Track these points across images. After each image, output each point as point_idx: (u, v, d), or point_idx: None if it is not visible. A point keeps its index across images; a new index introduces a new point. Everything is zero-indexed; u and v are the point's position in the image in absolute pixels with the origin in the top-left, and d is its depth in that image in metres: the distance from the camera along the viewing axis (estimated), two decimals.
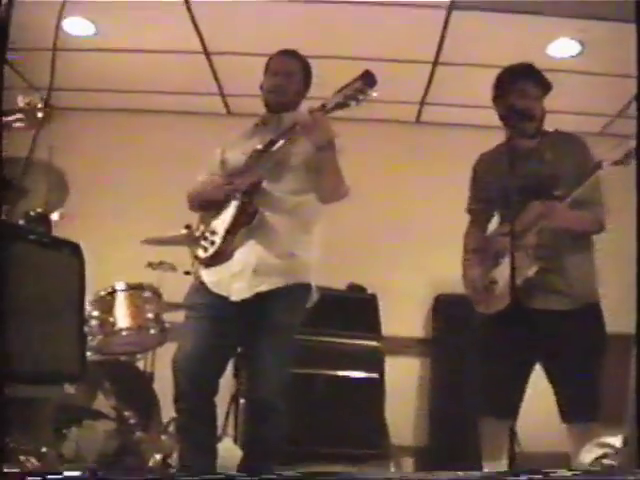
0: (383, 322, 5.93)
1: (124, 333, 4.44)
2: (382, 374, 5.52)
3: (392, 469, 5.37)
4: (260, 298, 3.53)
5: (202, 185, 3.79)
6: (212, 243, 3.58)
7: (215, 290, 3.61)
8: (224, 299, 3.56)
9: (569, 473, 0.94)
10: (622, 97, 5.86)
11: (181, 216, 4.05)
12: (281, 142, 3.52)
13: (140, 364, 4.99)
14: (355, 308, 5.86)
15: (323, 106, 3.33)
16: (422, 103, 6.56)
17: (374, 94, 3.25)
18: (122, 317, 4.45)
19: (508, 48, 5.22)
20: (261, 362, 3.54)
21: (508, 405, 3.56)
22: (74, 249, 3.44)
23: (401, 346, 6.37)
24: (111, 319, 4.44)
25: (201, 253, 3.63)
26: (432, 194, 6.55)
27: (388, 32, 5.30)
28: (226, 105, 6.82)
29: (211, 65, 6.04)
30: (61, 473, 0.67)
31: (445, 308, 6.41)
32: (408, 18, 5.14)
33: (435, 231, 6.32)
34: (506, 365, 3.51)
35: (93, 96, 6.57)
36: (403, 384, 6.19)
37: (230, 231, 3.55)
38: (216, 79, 6.29)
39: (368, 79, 3.25)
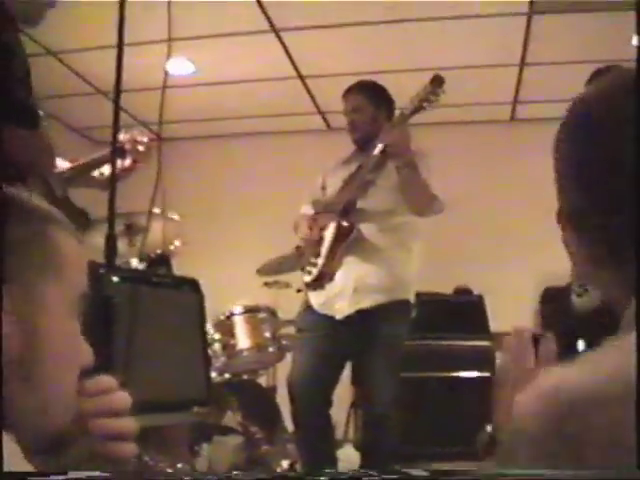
0: (492, 320, 6.03)
1: (245, 353, 4.71)
2: (494, 373, 5.62)
3: None
4: (362, 315, 3.76)
5: (301, 219, 4.04)
6: (315, 265, 3.85)
7: (321, 311, 3.88)
8: (330, 318, 3.83)
9: (557, 471, 0.96)
10: None
11: (292, 235, 4.23)
12: (371, 164, 3.74)
13: (262, 380, 5.28)
14: (463, 310, 5.98)
15: (402, 114, 3.56)
16: (515, 102, 6.65)
17: (443, 94, 3.46)
18: (242, 338, 4.73)
19: (593, 42, 5.34)
20: (371, 375, 3.77)
21: None
22: (193, 285, 3.75)
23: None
24: (232, 341, 4.72)
25: (307, 278, 3.90)
26: (530, 190, 6.62)
27: (473, 42, 5.49)
28: (326, 121, 7.07)
29: (306, 86, 6.30)
30: (65, 473, 0.81)
31: (552, 301, 6.45)
32: (492, 27, 5.29)
33: (536, 226, 6.39)
34: None
35: (198, 126, 6.93)
36: None
37: (331, 250, 3.80)
38: (312, 98, 6.56)
39: (436, 81, 3.47)
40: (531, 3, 4.96)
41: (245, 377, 4.94)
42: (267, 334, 4.80)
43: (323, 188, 4.08)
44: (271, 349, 4.78)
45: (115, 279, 2.59)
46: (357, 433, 5.24)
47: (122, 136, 3.27)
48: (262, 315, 4.86)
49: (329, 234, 3.83)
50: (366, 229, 3.81)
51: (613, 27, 5.24)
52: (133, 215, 4.22)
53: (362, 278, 3.78)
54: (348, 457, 4.45)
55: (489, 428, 1.47)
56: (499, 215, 6.64)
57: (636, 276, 0.95)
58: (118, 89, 2.58)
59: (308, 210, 4.10)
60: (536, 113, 6.78)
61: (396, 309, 3.81)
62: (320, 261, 3.83)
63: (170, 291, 3.60)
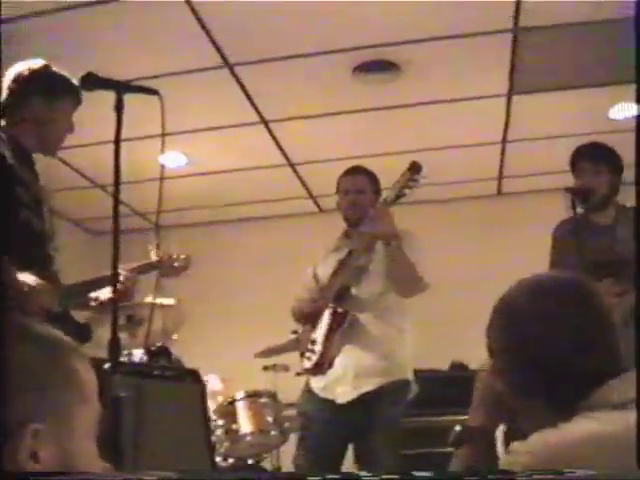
0: None
1: (248, 438, 4.78)
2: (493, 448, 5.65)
3: None
4: (364, 398, 3.85)
5: (299, 302, 4.16)
6: (313, 352, 3.92)
7: (322, 395, 3.97)
8: (331, 402, 3.92)
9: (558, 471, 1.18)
10: None
11: (289, 317, 4.30)
12: (359, 250, 3.86)
13: (267, 462, 5.33)
14: (460, 385, 6.01)
15: (384, 200, 3.71)
16: (500, 177, 6.83)
17: (422, 179, 3.64)
18: (244, 423, 4.80)
19: (571, 117, 5.54)
20: (373, 455, 3.83)
21: None
22: (194, 376, 3.86)
23: None
24: (234, 426, 4.79)
25: (306, 363, 3.97)
26: (520, 261, 6.73)
27: (456, 124, 5.68)
28: (317, 204, 7.26)
29: (296, 173, 6.49)
30: (65, 474, 0.87)
31: None
32: (473, 109, 5.49)
33: None
34: None
35: (192, 214, 7.09)
36: None
37: (327, 337, 3.88)
38: (303, 184, 6.74)
39: (415, 168, 3.63)
40: (510, 85, 5.15)
41: (250, 462, 5.00)
42: (269, 418, 4.88)
43: (315, 277, 4.19)
44: (273, 432, 4.85)
45: (120, 374, 2.68)
46: None
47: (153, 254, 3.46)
48: (263, 400, 4.94)
49: (324, 321, 3.92)
50: (361, 314, 3.91)
51: (588, 103, 5.45)
52: (133, 307, 4.35)
53: (361, 363, 3.88)
54: None
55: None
56: (491, 287, 6.70)
57: (636, 287, 1.39)
58: (117, 182, 2.73)
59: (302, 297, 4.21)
60: (521, 187, 6.97)
61: (396, 390, 3.90)
62: (317, 348, 3.91)
63: (172, 383, 3.71)
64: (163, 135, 2.86)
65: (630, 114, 5.62)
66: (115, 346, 2.58)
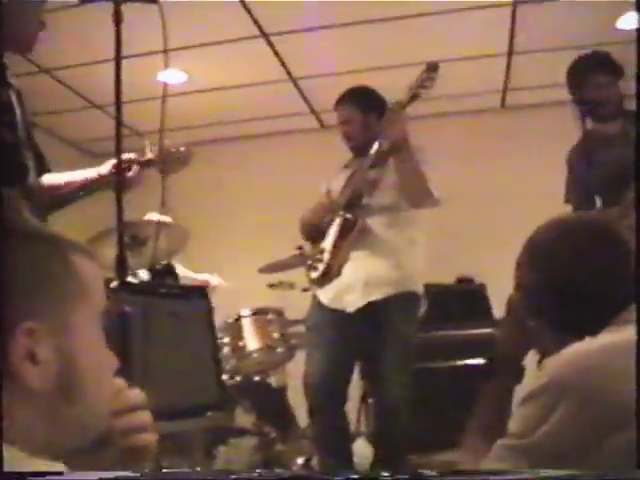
0: (495, 308, 6.10)
1: (254, 355, 4.80)
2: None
3: None
4: (374, 307, 3.82)
5: (309, 212, 4.12)
6: (321, 261, 3.89)
7: (332, 306, 3.94)
8: (341, 312, 3.89)
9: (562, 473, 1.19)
10: None
11: (293, 233, 4.30)
12: (371, 159, 3.79)
13: (273, 380, 5.36)
14: (466, 299, 6.03)
15: (398, 103, 3.60)
16: (505, 90, 6.71)
17: (437, 79, 3.54)
18: (251, 340, 4.81)
19: (578, 28, 5.41)
20: (383, 371, 3.83)
21: None
22: (201, 293, 3.84)
23: None
24: (241, 343, 4.81)
25: (313, 274, 3.94)
26: (525, 175, 6.70)
27: (461, 36, 5.55)
28: (319, 120, 7.16)
29: (298, 88, 6.38)
30: (62, 474, 0.86)
31: None
32: (477, 19, 5.36)
33: (533, 210, 6.46)
34: None
35: (194, 132, 6.97)
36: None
37: (336, 245, 3.85)
38: (305, 99, 6.63)
39: (431, 68, 3.57)
40: None
41: (256, 379, 5.03)
42: (275, 335, 4.89)
43: (327, 193, 4.14)
44: (280, 349, 4.87)
45: (127, 293, 2.66)
46: (369, 426, 5.30)
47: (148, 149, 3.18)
48: (269, 316, 4.95)
49: (333, 229, 3.89)
50: (372, 223, 3.87)
51: (595, 12, 5.31)
52: (137, 225, 4.30)
53: (371, 271, 3.85)
54: (361, 450, 4.51)
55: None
56: (496, 202, 6.68)
57: (635, 274, 1.55)
58: (119, 99, 2.64)
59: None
60: (526, 99, 6.86)
61: (406, 301, 3.88)
62: (326, 256, 3.87)
63: (179, 301, 3.69)
64: (165, 51, 2.76)
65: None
66: (122, 264, 2.55)
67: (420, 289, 3.96)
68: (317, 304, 4.04)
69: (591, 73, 3.85)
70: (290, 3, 4.97)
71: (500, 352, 1.81)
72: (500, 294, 6.24)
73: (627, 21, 5.48)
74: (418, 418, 3.97)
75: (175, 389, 3.32)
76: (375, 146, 3.76)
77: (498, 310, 6.03)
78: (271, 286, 5.58)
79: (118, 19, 2.59)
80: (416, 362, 4.68)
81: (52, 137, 6.87)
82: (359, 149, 3.98)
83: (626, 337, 1.41)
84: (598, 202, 3.79)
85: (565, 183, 4.10)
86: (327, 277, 3.89)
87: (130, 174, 2.97)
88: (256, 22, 5.21)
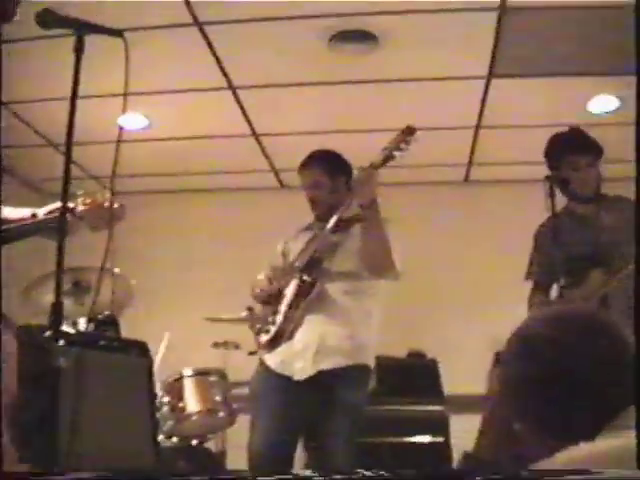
0: (445, 382, 5.97)
1: (194, 417, 4.59)
2: (447, 437, 5.56)
3: None
4: (323, 376, 3.64)
5: (263, 278, 3.92)
6: (274, 323, 3.72)
7: (279, 370, 3.74)
8: (288, 379, 3.70)
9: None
10: None
11: (245, 293, 4.07)
12: (333, 221, 3.64)
13: (211, 444, 5.12)
14: (416, 374, 5.91)
15: (371, 164, 3.45)
16: (469, 163, 6.65)
17: (414, 141, 3.44)
18: (191, 402, 4.60)
19: (549, 107, 5.38)
20: (329, 441, 3.66)
21: None
22: (142, 349, 3.62)
23: (464, 404, 6.38)
24: (181, 404, 4.59)
25: (263, 337, 3.77)
26: (485, 252, 6.63)
27: (431, 104, 5.47)
28: (278, 179, 7.01)
29: (260, 145, 6.24)
30: (63, 474, 0.75)
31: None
32: (449, 90, 5.31)
33: (490, 289, 6.40)
34: None
35: (150, 180, 6.82)
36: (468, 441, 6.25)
37: (291, 306, 3.69)
38: (266, 157, 6.49)
39: (407, 131, 3.47)
40: (491, 68, 4.96)
41: (194, 442, 4.80)
42: (217, 397, 4.70)
43: (284, 255, 4.00)
44: (221, 414, 4.68)
45: (61, 343, 2.47)
46: None
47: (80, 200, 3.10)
48: (212, 378, 4.75)
49: (290, 291, 3.73)
50: (330, 289, 3.73)
51: (567, 92, 5.29)
52: (81, 271, 4.10)
53: (325, 339, 3.69)
54: None
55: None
56: (453, 277, 6.60)
57: (635, 279, 1.56)
58: (70, 137, 2.44)
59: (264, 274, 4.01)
60: (490, 175, 6.81)
61: (357, 374, 3.72)
62: (279, 318, 3.72)
63: (118, 355, 3.47)
64: (126, 86, 2.58)
65: (609, 108, 5.49)
66: (58, 312, 2.35)
67: (372, 362, 3.82)
68: (264, 369, 3.85)
69: (569, 152, 3.78)
70: (261, 58, 4.87)
71: (478, 454, 1.66)
72: (451, 371, 6.17)
73: (598, 104, 5.46)
74: None
75: (108, 448, 3.10)
76: (340, 208, 3.64)
77: (448, 387, 5.91)
78: (216, 345, 5.37)
79: (79, 48, 2.43)
80: (361, 436, 4.51)
81: (5, 173, 6.63)
82: (324, 214, 3.83)
83: (626, 444, 1.27)
84: (562, 281, 3.67)
85: (529, 259, 4.01)
86: (278, 340, 3.74)
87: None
88: (224, 73, 5.07)
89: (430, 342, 6.32)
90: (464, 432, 5.93)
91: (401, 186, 6.47)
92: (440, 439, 5.50)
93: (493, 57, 4.84)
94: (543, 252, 3.90)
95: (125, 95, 2.67)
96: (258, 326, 3.86)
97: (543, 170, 3.83)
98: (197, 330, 5.23)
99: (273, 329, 3.73)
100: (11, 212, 2.95)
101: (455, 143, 6.21)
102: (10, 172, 6.69)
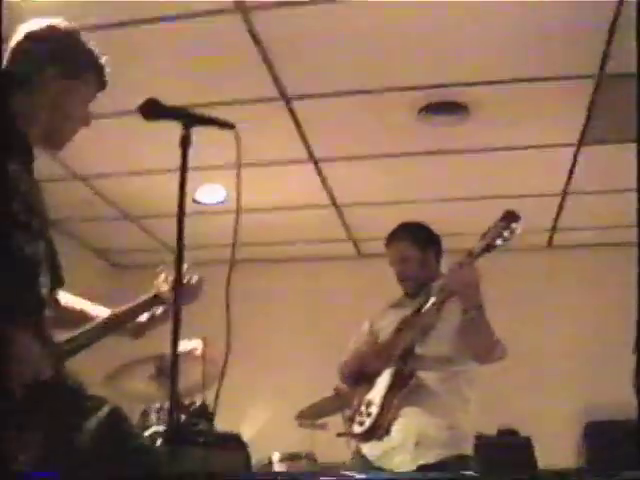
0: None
1: None
2: None
3: None
4: (421, 470, 3.40)
5: (354, 357, 3.76)
6: (369, 415, 3.52)
7: (377, 464, 3.54)
8: (388, 473, 3.48)
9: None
10: None
11: (328, 371, 3.97)
12: (430, 304, 3.43)
13: None
14: (510, 452, 5.68)
15: (470, 253, 3.25)
16: (553, 228, 6.48)
17: (519, 230, 3.19)
18: None
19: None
20: None
21: None
22: (238, 441, 3.50)
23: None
24: None
25: (357, 428, 3.56)
26: (570, 318, 6.43)
27: (518, 172, 5.37)
28: (357, 247, 6.90)
29: (340, 215, 6.15)
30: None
31: (596, 434, 6.21)
32: (538, 158, 5.19)
33: (575, 358, 6.21)
34: None
35: (227, 251, 6.72)
36: None
37: (386, 398, 3.48)
38: (344, 225, 6.38)
39: (510, 217, 3.21)
40: (582, 135, 4.83)
41: None
42: None
43: (372, 333, 3.79)
44: None
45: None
46: None
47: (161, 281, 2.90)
48: (302, 462, 4.59)
49: (384, 380, 3.53)
50: (425, 377, 3.51)
51: None
52: (165, 357, 3.99)
53: (424, 430, 3.46)
54: None
55: None
56: (539, 347, 6.39)
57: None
58: (181, 224, 2.22)
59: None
60: (573, 240, 6.63)
61: (459, 465, 3.48)
62: (374, 410, 3.50)
63: (217, 450, 3.35)
64: (238, 175, 2.46)
65: None
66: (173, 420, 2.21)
67: (471, 451, 3.60)
68: (361, 459, 3.62)
69: None
70: (346, 130, 4.80)
71: None
72: (542, 438, 5.90)
73: None
74: None
75: None
76: (434, 287, 3.45)
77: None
78: (301, 424, 5.20)
79: (186, 142, 2.30)
80: None
81: (78, 245, 6.65)
82: (413, 289, 3.67)
83: None
84: None
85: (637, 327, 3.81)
86: (374, 433, 3.51)
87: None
88: (307, 146, 5.00)
89: (519, 415, 6.11)
90: None
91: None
92: None
93: (586, 125, 4.71)
94: None
95: (238, 176, 2.50)
96: (348, 412, 3.67)
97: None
98: (279, 408, 5.08)
99: (368, 421, 3.51)
100: (88, 306, 2.78)
101: (540, 209, 6.04)
102: (83, 243, 6.71)
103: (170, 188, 4.79)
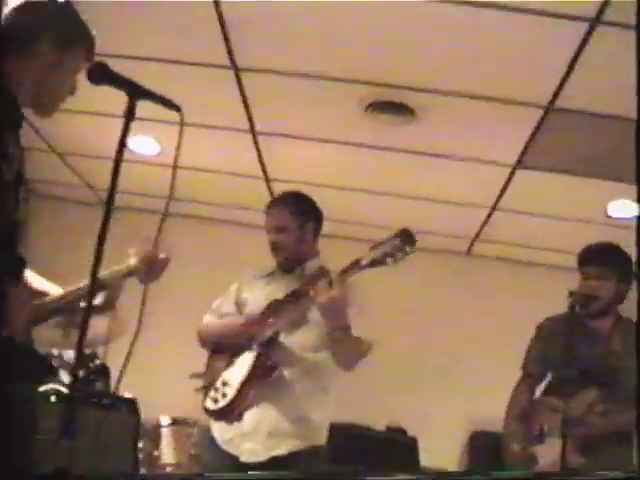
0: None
1: (168, 469, 4.45)
2: None
3: None
4: (275, 462, 3.38)
5: (218, 325, 3.66)
6: (224, 396, 3.42)
7: (224, 447, 3.47)
8: (234, 459, 3.42)
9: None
10: None
11: None
12: (302, 298, 3.35)
13: None
14: (396, 450, 5.78)
15: (357, 262, 3.14)
16: (475, 238, 6.59)
17: (412, 254, 3.06)
18: (166, 453, 4.46)
19: (568, 204, 5.34)
20: None
21: None
22: (131, 407, 3.49)
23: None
24: (155, 452, 4.45)
25: (210, 404, 3.47)
26: (474, 330, 6.56)
27: (453, 181, 5.46)
28: None
29: (269, 189, 6.15)
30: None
31: (480, 444, 6.38)
32: (475, 171, 5.26)
33: (475, 367, 6.35)
34: None
35: (151, 201, 6.65)
36: None
37: (244, 385, 3.38)
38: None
39: (407, 238, 3.07)
40: (520, 158, 4.94)
41: None
42: (193, 452, 4.54)
43: (237, 303, 3.69)
44: (195, 469, 4.52)
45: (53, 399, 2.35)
46: None
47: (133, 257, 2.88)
48: (190, 429, 4.60)
49: (244, 364, 3.41)
50: (288, 370, 3.44)
51: (590, 192, 5.25)
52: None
53: (277, 422, 3.40)
54: None
55: None
56: (444, 348, 6.52)
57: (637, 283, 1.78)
58: (112, 196, 2.20)
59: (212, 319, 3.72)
60: (492, 252, 6.74)
61: (312, 456, 3.45)
62: (230, 393, 3.40)
63: (107, 412, 3.34)
64: (176, 160, 2.45)
65: (628, 214, 5.44)
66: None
67: (324, 441, 3.55)
68: (211, 440, 3.53)
69: (590, 262, 3.74)
70: (286, 109, 4.80)
71: None
72: (427, 441, 6.03)
73: (618, 208, 5.41)
74: None
75: None
76: (309, 279, 3.38)
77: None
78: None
79: (130, 115, 2.26)
80: None
81: None
82: (287, 262, 3.59)
83: None
84: (547, 381, 3.75)
85: (528, 347, 3.96)
86: (226, 417, 3.44)
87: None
88: (250, 118, 4.96)
89: (408, 415, 6.23)
90: None
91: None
92: None
93: (525, 150, 4.79)
94: (542, 348, 3.86)
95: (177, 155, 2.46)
96: (204, 385, 3.55)
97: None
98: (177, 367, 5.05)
99: (222, 402, 3.42)
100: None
101: (466, 220, 6.15)
102: None
103: (102, 131, 4.75)
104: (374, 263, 3.10)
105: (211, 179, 6.15)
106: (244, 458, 3.40)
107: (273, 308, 3.46)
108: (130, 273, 2.82)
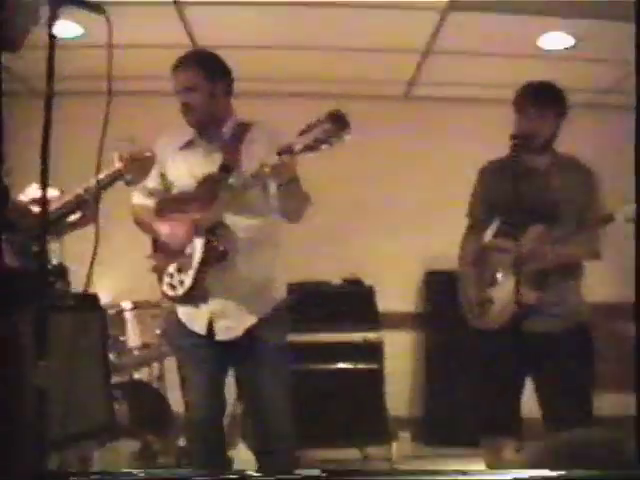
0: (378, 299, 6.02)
1: (136, 352, 4.54)
2: (382, 364, 5.65)
3: (393, 451, 5.51)
4: (248, 333, 3.47)
5: (149, 210, 3.60)
6: (181, 283, 3.42)
7: (195, 329, 3.52)
8: (207, 338, 3.48)
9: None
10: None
11: None
12: (240, 178, 3.31)
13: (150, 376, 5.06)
14: (353, 301, 5.90)
15: (290, 149, 3.03)
16: (411, 82, 6.57)
17: (347, 137, 2.90)
18: (133, 336, 4.54)
19: (500, 40, 5.34)
20: (262, 397, 3.51)
21: (506, 422, 3.69)
22: (93, 302, 3.50)
23: (396, 320, 6.49)
24: (122, 338, 4.53)
25: (169, 291, 3.47)
26: (421, 170, 6.64)
27: (384, 27, 5.37)
28: None
29: None
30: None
31: (434, 284, 6.54)
32: (405, 16, 5.19)
33: (424, 208, 6.45)
34: (500, 382, 3.67)
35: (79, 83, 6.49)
36: (401, 362, 6.46)
37: (200, 270, 3.37)
38: None
39: (340, 122, 2.92)
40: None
41: (136, 376, 4.76)
42: (158, 331, 4.63)
43: (162, 175, 3.60)
44: (163, 348, 4.62)
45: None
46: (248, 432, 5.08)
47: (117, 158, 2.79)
48: (153, 311, 4.67)
49: (197, 251, 3.38)
50: (237, 251, 3.43)
51: (520, 28, 5.24)
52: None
53: (242, 294, 3.46)
54: (243, 455, 4.33)
55: None
56: (388, 192, 6.63)
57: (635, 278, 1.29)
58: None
59: (145, 201, 3.65)
60: (433, 93, 6.73)
61: (276, 317, 3.54)
62: (187, 281, 3.40)
63: (71, 313, 3.35)
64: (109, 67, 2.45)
65: (559, 45, 5.48)
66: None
67: (283, 295, 3.64)
68: (176, 322, 3.58)
69: (527, 101, 3.73)
70: None
71: None
72: (383, 283, 6.18)
73: (548, 41, 5.42)
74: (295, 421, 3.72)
75: (69, 413, 3.03)
76: (252, 170, 3.24)
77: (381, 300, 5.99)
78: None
79: (52, 21, 2.23)
80: (297, 364, 4.51)
81: None
82: (203, 124, 3.50)
83: None
84: (495, 225, 3.77)
85: (471, 194, 4.00)
86: (190, 299, 3.45)
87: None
88: None
89: (363, 261, 6.35)
90: (395, 349, 6.13)
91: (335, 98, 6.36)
92: (375, 366, 5.59)
93: None
94: (485, 192, 3.91)
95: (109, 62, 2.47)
96: (155, 265, 3.54)
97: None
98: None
99: (181, 290, 3.41)
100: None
101: (400, 63, 6.10)
102: None
103: None
104: (307, 149, 2.99)
105: (141, 54, 5.97)
106: (220, 336, 3.46)
107: (209, 185, 3.41)
108: (117, 177, 2.74)
